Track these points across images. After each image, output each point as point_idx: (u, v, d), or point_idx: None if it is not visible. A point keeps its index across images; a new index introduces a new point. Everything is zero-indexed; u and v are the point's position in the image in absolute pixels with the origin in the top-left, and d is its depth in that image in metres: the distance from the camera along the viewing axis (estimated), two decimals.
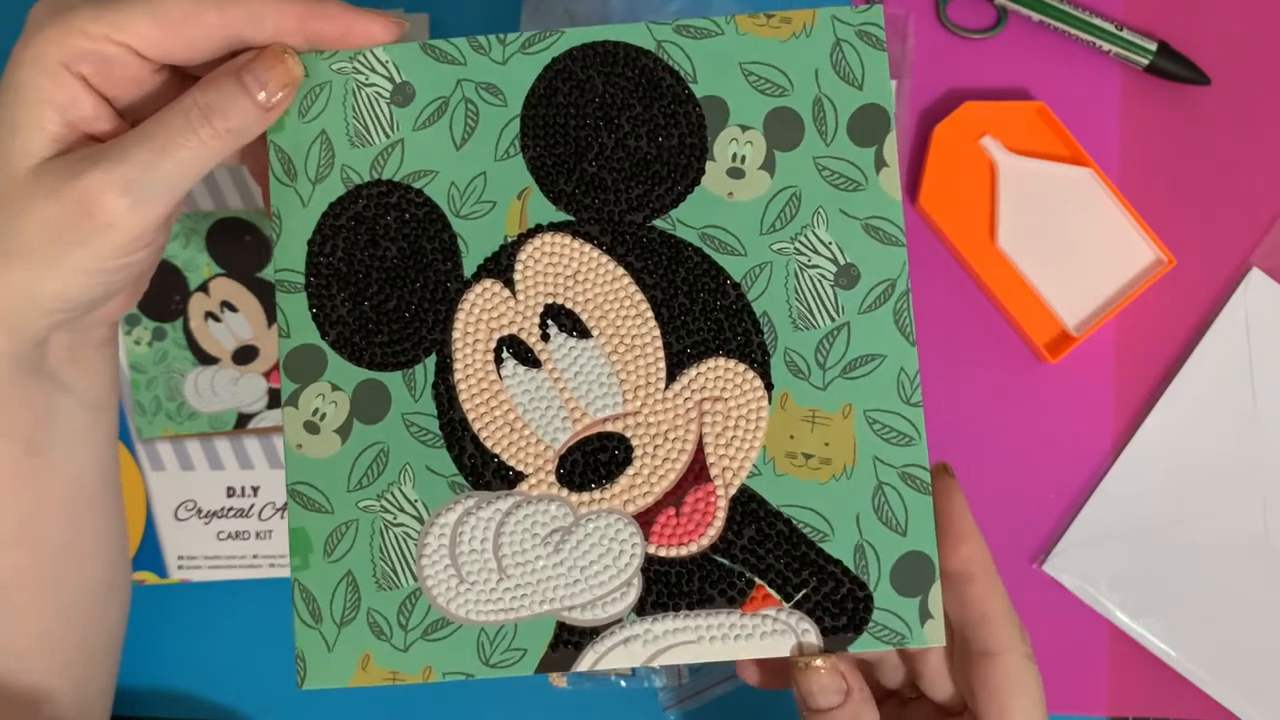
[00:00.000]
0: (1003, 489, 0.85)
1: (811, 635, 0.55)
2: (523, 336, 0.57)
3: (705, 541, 0.55)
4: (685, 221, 0.57)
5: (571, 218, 0.57)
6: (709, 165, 0.57)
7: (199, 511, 0.85)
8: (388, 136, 0.58)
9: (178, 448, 0.86)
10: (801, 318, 0.56)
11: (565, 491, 0.56)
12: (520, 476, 0.56)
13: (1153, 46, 0.85)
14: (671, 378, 0.56)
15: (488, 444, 0.57)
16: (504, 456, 0.56)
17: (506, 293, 0.57)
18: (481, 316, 0.57)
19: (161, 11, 0.55)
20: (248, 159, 0.65)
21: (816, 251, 0.56)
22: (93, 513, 0.68)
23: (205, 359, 0.85)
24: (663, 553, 0.56)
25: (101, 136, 0.57)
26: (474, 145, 0.58)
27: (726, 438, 0.56)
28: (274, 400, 0.85)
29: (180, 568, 0.85)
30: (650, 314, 0.57)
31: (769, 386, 0.56)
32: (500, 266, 0.57)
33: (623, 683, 0.84)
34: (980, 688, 0.56)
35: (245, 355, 0.86)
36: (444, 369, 0.57)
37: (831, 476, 0.55)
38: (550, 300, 0.57)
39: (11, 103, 0.55)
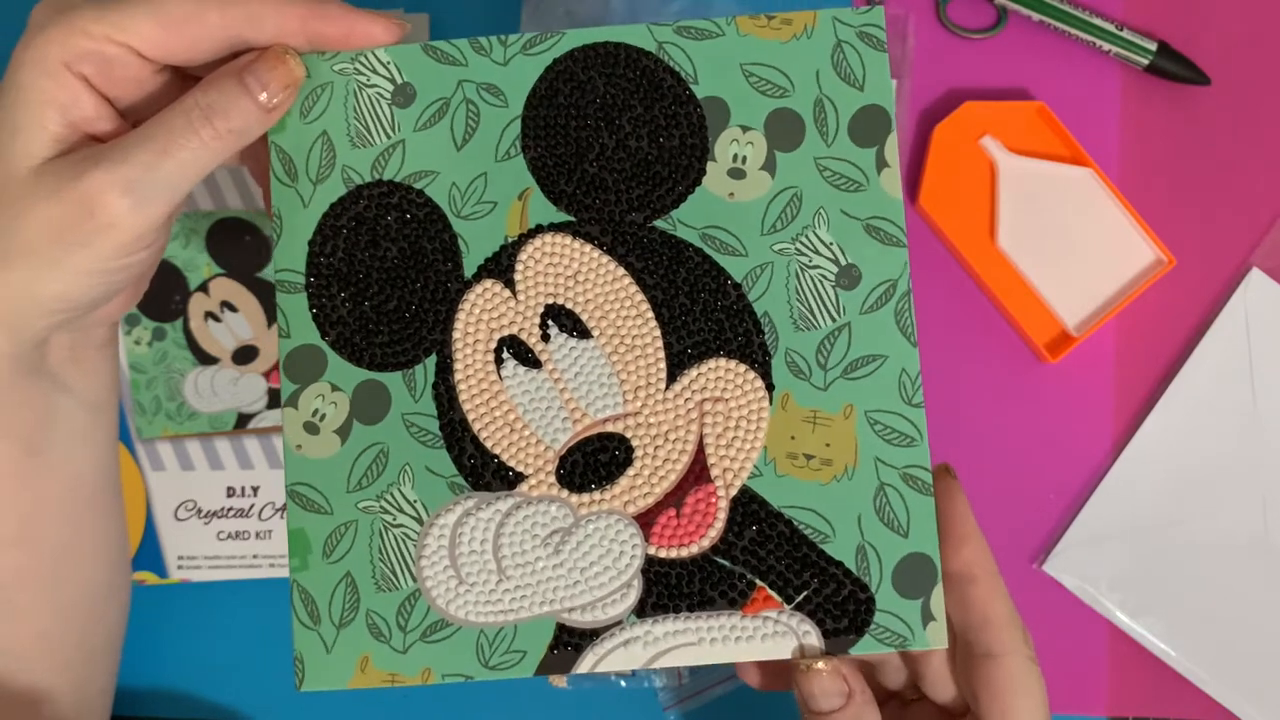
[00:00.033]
0: (1003, 489, 0.84)
1: (813, 637, 0.55)
2: (523, 337, 0.57)
3: (706, 543, 0.55)
4: (686, 222, 0.57)
5: (572, 218, 0.57)
6: (710, 166, 0.57)
7: (199, 511, 0.85)
8: (389, 137, 0.58)
9: (178, 448, 0.86)
10: (803, 318, 0.56)
11: (565, 492, 0.56)
12: (520, 477, 0.56)
13: (1153, 46, 0.85)
14: (672, 378, 0.56)
15: (488, 444, 0.56)
16: (504, 457, 0.56)
17: (507, 293, 0.57)
18: (482, 317, 0.57)
19: (163, 12, 0.55)
20: (248, 160, 0.65)
21: (817, 252, 0.56)
22: (93, 513, 0.67)
23: (205, 359, 0.85)
24: (663, 554, 0.55)
25: (103, 137, 0.57)
26: (475, 146, 0.58)
27: (727, 438, 0.56)
28: (274, 400, 0.85)
29: (180, 568, 0.85)
30: (651, 314, 0.57)
31: (770, 387, 0.56)
32: (501, 267, 0.57)
33: (623, 683, 0.84)
34: (983, 690, 0.56)
35: (245, 355, 0.85)
36: (444, 369, 0.57)
37: (833, 477, 0.55)
38: (551, 300, 0.57)
39: (13, 103, 0.55)
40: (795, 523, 0.55)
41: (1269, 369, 0.83)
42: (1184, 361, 0.84)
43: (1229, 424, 0.84)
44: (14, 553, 0.64)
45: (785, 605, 0.55)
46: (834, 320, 0.56)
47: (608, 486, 0.56)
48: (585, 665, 0.55)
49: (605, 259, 0.57)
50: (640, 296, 0.57)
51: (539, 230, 0.57)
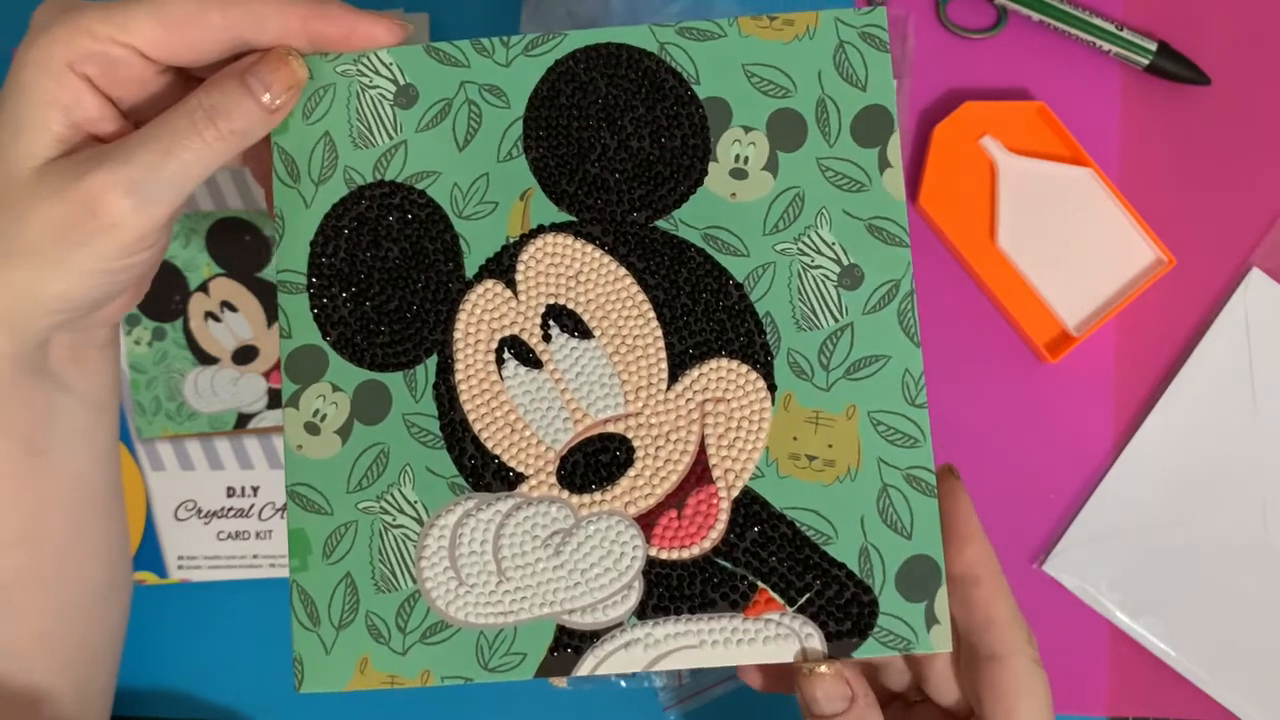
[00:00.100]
0: (1003, 489, 0.84)
1: (815, 640, 0.55)
2: (524, 337, 0.57)
3: (707, 544, 0.55)
4: (688, 222, 0.57)
5: (574, 218, 0.57)
6: (711, 166, 0.57)
7: (199, 511, 0.85)
8: (391, 138, 0.58)
9: (178, 448, 0.86)
10: (805, 318, 0.56)
11: (566, 493, 0.56)
12: (521, 478, 0.56)
13: (1153, 46, 0.85)
14: (673, 378, 0.56)
15: (488, 445, 0.56)
16: (504, 457, 0.56)
17: (508, 293, 0.57)
18: (483, 317, 0.57)
19: (166, 13, 0.55)
20: (250, 161, 0.65)
21: (820, 252, 0.56)
22: (94, 513, 0.67)
23: (205, 359, 0.85)
24: (664, 555, 0.55)
25: (106, 137, 0.57)
26: (477, 146, 0.58)
27: (729, 439, 0.56)
28: (274, 400, 0.85)
29: (180, 568, 0.85)
30: (652, 314, 0.57)
31: (772, 387, 0.56)
32: (502, 267, 0.57)
33: (623, 683, 0.84)
34: (986, 691, 0.56)
35: (245, 355, 0.85)
36: (445, 369, 0.57)
37: (835, 478, 0.55)
38: (552, 301, 0.57)
39: (16, 103, 0.55)
40: (797, 524, 0.55)
41: (1269, 369, 0.83)
42: (1184, 361, 0.84)
43: (1229, 424, 0.84)
44: (15, 553, 0.63)
45: (787, 607, 0.55)
46: (836, 320, 0.56)
47: (608, 487, 0.56)
48: (585, 668, 0.55)
49: (607, 259, 0.57)
50: (642, 296, 0.57)
51: (540, 230, 0.57)
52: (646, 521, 0.56)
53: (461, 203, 0.57)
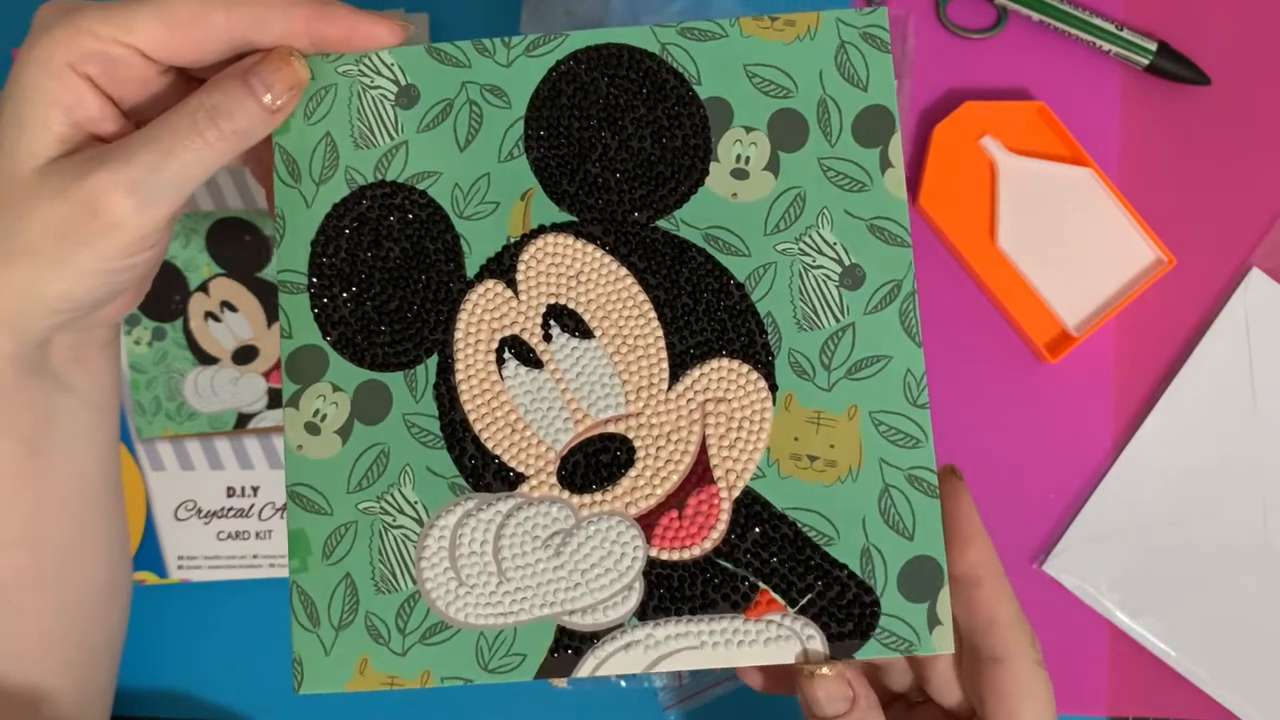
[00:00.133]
0: (1003, 489, 0.84)
1: (817, 641, 0.54)
2: (525, 337, 0.57)
3: (708, 545, 0.55)
4: (689, 222, 0.57)
5: (575, 218, 0.57)
6: (713, 166, 0.57)
7: (199, 511, 0.85)
8: (392, 138, 0.58)
9: (178, 448, 0.86)
10: (806, 318, 0.56)
11: (566, 493, 0.56)
12: (521, 478, 0.56)
13: (1153, 46, 0.85)
14: (674, 378, 0.56)
15: (489, 445, 0.56)
16: (505, 458, 0.56)
17: (509, 293, 0.57)
18: (484, 317, 0.57)
19: (168, 13, 0.55)
20: (250, 161, 0.65)
21: (821, 252, 0.56)
22: (94, 513, 0.67)
23: (205, 359, 0.85)
24: (665, 556, 0.55)
25: (107, 137, 0.57)
26: (478, 146, 0.58)
27: (730, 439, 0.56)
28: (274, 400, 0.85)
29: (180, 568, 0.85)
30: (653, 314, 0.57)
31: (773, 388, 0.56)
32: (503, 267, 0.57)
33: (623, 683, 0.84)
34: (989, 694, 0.56)
35: (245, 355, 0.85)
36: (445, 369, 0.57)
37: (837, 479, 0.55)
38: (553, 301, 0.57)
39: (18, 103, 0.55)
40: (799, 525, 0.55)
41: (1269, 369, 0.83)
42: (1184, 361, 0.84)
43: (1229, 424, 0.84)
44: (15, 553, 0.63)
45: (789, 608, 0.54)
46: (838, 320, 0.56)
47: (609, 488, 0.56)
48: (586, 669, 0.55)
49: (608, 259, 0.57)
50: (643, 296, 0.57)
51: (541, 230, 0.57)
52: (647, 522, 0.55)
53: (462, 203, 0.57)
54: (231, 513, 0.85)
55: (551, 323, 0.57)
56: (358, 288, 0.57)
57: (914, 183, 0.86)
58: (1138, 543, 0.83)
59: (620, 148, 0.57)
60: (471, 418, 0.56)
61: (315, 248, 0.58)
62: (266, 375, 0.85)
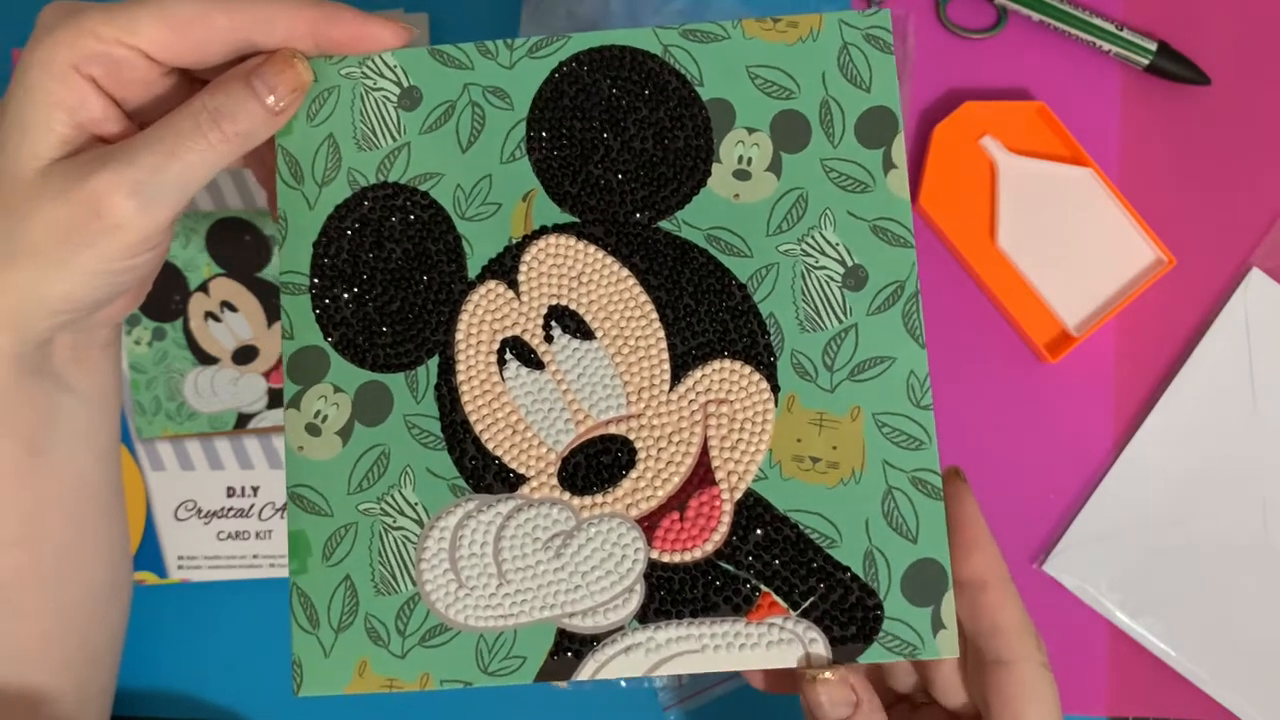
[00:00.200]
0: (1003, 489, 0.85)
1: (819, 645, 0.54)
2: (526, 338, 0.57)
3: (710, 547, 0.55)
4: (691, 223, 0.57)
5: (576, 219, 0.57)
6: (715, 167, 0.57)
7: (199, 511, 0.85)
8: (394, 140, 0.58)
9: (178, 448, 0.86)
10: (809, 319, 0.56)
11: (567, 495, 0.56)
12: (522, 479, 0.56)
13: (1153, 46, 0.85)
14: (676, 380, 0.56)
15: (489, 446, 0.56)
16: (505, 459, 0.56)
17: (510, 294, 0.57)
18: (485, 318, 0.57)
19: (172, 14, 0.55)
20: (252, 163, 0.65)
21: (824, 253, 0.56)
22: (95, 513, 0.67)
23: (205, 359, 0.85)
24: (666, 558, 0.55)
25: (110, 138, 0.57)
26: (480, 148, 0.58)
27: (732, 441, 0.56)
28: (274, 400, 0.85)
29: (180, 568, 0.85)
30: (655, 315, 0.56)
31: (775, 389, 0.56)
32: (504, 268, 0.57)
33: (623, 683, 0.84)
34: (994, 697, 0.56)
35: (245, 355, 0.85)
36: (446, 370, 0.57)
37: (839, 481, 0.55)
38: (554, 302, 0.57)
39: (20, 104, 0.55)
40: (801, 527, 0.55)
41: (1269, 369, 0.83)
42: (1184, 361, 0.84)
43: (1229, 424, 0.84)
44: (16, 553, 0.63)
45: (791, 611, 0.54)
46: (840, 321, 0.56)
47: (610, 489, 0.56)
48: (586, 672, 0.55)
49: (609, 260, 0.57)
50: (644, 297, 0.57)
51: (543, 231, 0.57)
52: (648, 524, 0.55)
53: (464, 204, 0.57)
54: (231, 513, 0.85)
55: (553, 324, 0.57)
56: (359, 289, 0.57)
57: (914, 183, 0.86)
58: (1138, 543, 0.83)
59: (622, 149, 0.57)
60: (472, 419, 0.56)
61: (317, 249, 0.57)
62: (266, 375, 0.85)
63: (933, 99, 0.88)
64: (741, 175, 0.57)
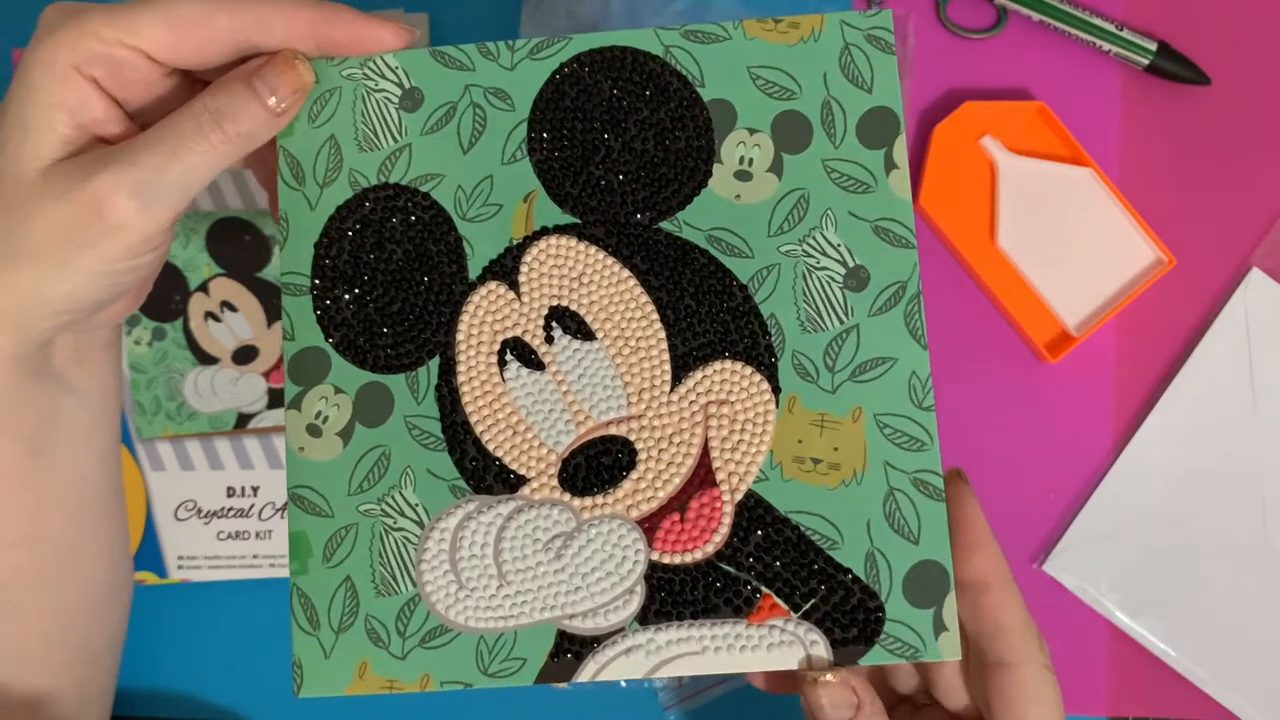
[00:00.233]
0: (1003, 489, 0.84)
1: (820, 647, 0.54)
2: (527, 339, 0.57)
3: (710, 548, 0.55)
4: (692, 224, 0.57)
5: (577, 220, 0.57)
6: (716, 168, 0.57)
7: (199, 511, 0.85)
8: (396, 141, 0.58)
9: (178, 448, 0.85)
10: (810, 320, 0.56)
11: (567, 496, 0.55)
12: (522, 480, 0.56)
13: (1153, 46, 0.85)
14: (677, 380, 0.56)
15: (490, 447, 0.56)
16: (506, 460, 0.56)
17: (511, 295, 0.57)
18: (485, 319, 0.57)
19: (174, 15, 0.55)
20: (253, 164, 0.65)
21: (825, 253, 0.56)
22: (95, 514, 0.67)
23: (205, 359, 0.85)
24: (667, 560, 0.55)
25: (111, 139, 0.57)
26: (481, 149, 0.58)
27: (733, 442, 0.55)
28: (274, 400, 0.85)
29: (180, 568, 0.85)
30: (655, 316, 0.56)
31: (776, 390, 0.56)
32: (505, 269, 0.57)
33: (623, 683, 0.84)
34: (996, 699, 0.56)
35: (245, 355, 0.85)
36: (447, 371, 0.57)
37: (841, 482, 0.55)
38: (555, 302, 0.57)
39: (22, 105, 0.55)
40: (802, 528, 0.55)
41: (1269, 369, 0.83)
42: (1184, 361, 0.84)
43: (1229, 424, 0.84)
44: (17, 553, 0.63)
45: (792, 613, 0.54)
46: (842, 322, 0.56)
47: (610, 490, 0.55)
48: (586, 674, 0.55)
49: (610, 261, 0.57)
50: (645, 298, 0.56)
51: (544, 232, 0.57)
52: (649, 525, 0.55)
53: (465, 205, 0.57)
54: (231, 513, 0.85)
55: (553, 324, 0.57)
56: (360, 290, 0.57)
57: (914, 183, 0.86)
58: (1138, 543, 0.83)
59: (623, 150, 0.57)
60: (473, 419, 0.56)
61: (318, 250, 0.57)
62: (266, 375, 0.85)
63: (933, 99, 0.88)
64: (743, 176, 0.57)
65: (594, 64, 0.58)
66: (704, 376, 0.56)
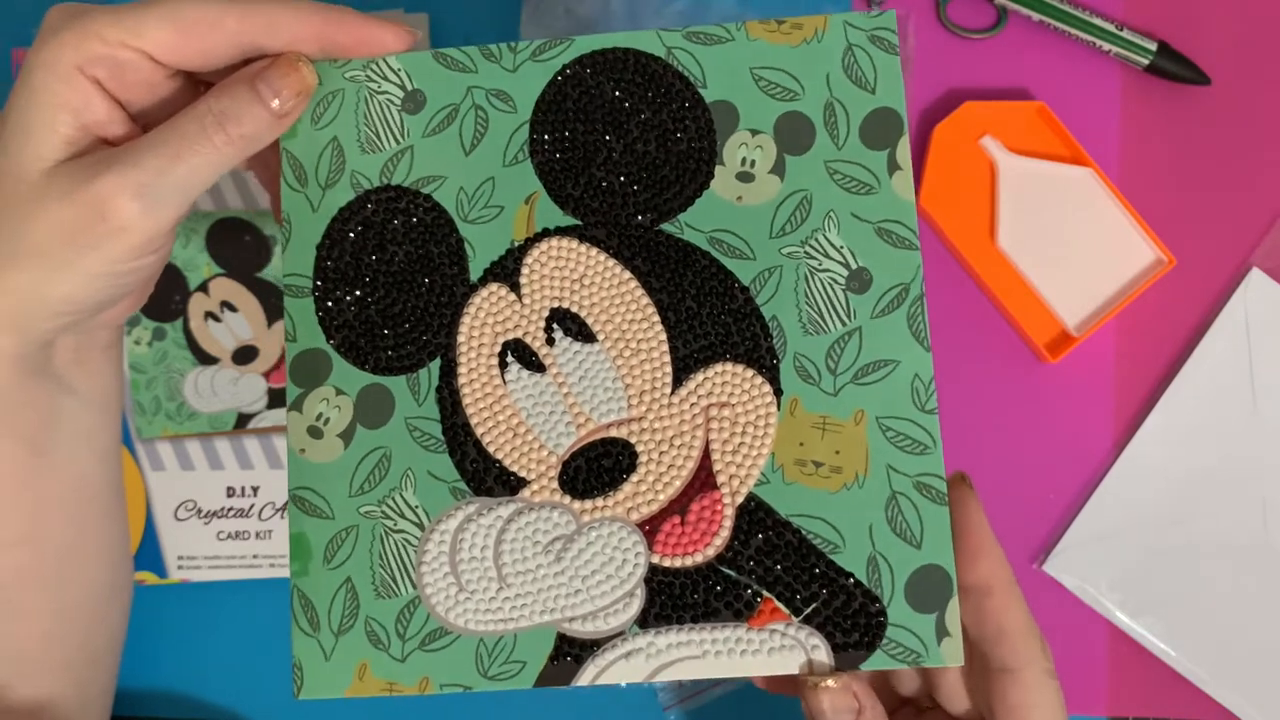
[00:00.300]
0: (1003, 489, 0.84)
1: (822, 652, 0.54)
2: (528, 341, 0.56)
3: (711, 551, 0.55)
4: (693, 225, 0.57)
5: (579, 222, 0.57)
6: (718, 169, 0.57)
7: (199, 511, 0.85)
8: (398, 142, 0.58)
9: (178, 448, 0.85)
10: (812, 322, 0.56)
11: (568, 498, 0.55)
12: (522, 482, 0.56)
13: (1153, 46, 0.85)
14: (678, 383, 0.56)
15: (490, 449, 0.56)
16: (506, 462, 0.56)
17: (512, 296, 0.57)
18: (487, 320, 0.57)
19: (177, 17, 0.55)
20: (255, 165, 0.65)
21: (827, 255, 0.56)
22: (96, 514, 0.67)
23: (205, 359, 0.85)
24: (667, 563, 0.55)
25: (114, 140, 0.57)
26: (483, 151, 0.57)
27: (734, 444, 0.55)
28: (274, 400, 0.85)
29: (180, 568, 0.85)
30: (656, 318, 0.56)
31: (778, 392, 0.55)
32: (506, 270, 0.57)
33: (623, 684, 0.84)
34: (998, 703, 0.56)
35: (245, 355, 0.85)
36: (448, 373, 0.57)
37: (842, 485, 0.55)
38: (556, 304, 0.57)
39: (25, 106, 0.55)
40: (804, 532, 0.54)
41: (1269, 369, 0.83)
42: (1184, 361, 0.84)
43: (1229, 424, 0.84)
44: (17, 553, 0.63)
45: (793, 617, 0.54)
46: (844, 324, 0.55)
47: (611, 493, 0.55)
48: (586, 677, 0.54)
49: (611, 262, 0.57)
50: (646, 300, 0.56)
51: (545, 234, 0.57)
52: (649, 528, 0.55)
53: (467, 206, 0.57)
54: (231, 513, 0.85)
55: (554, 326, 0.56)
56: (362, 291, 0.57)
57: (914, 183, 0.86)
58: (1138, 543, 0.83)
59: (625, 151, 0.57)
60: (473, 421, 0.56)
61: (320, 251, 0.57)
62: (266, 375, 0.85)
63: (933, 99, 0.88)
64: (745, 177, 0.57)
65: (596, 65, 0.58)
66: (705, 379, 0.56)
